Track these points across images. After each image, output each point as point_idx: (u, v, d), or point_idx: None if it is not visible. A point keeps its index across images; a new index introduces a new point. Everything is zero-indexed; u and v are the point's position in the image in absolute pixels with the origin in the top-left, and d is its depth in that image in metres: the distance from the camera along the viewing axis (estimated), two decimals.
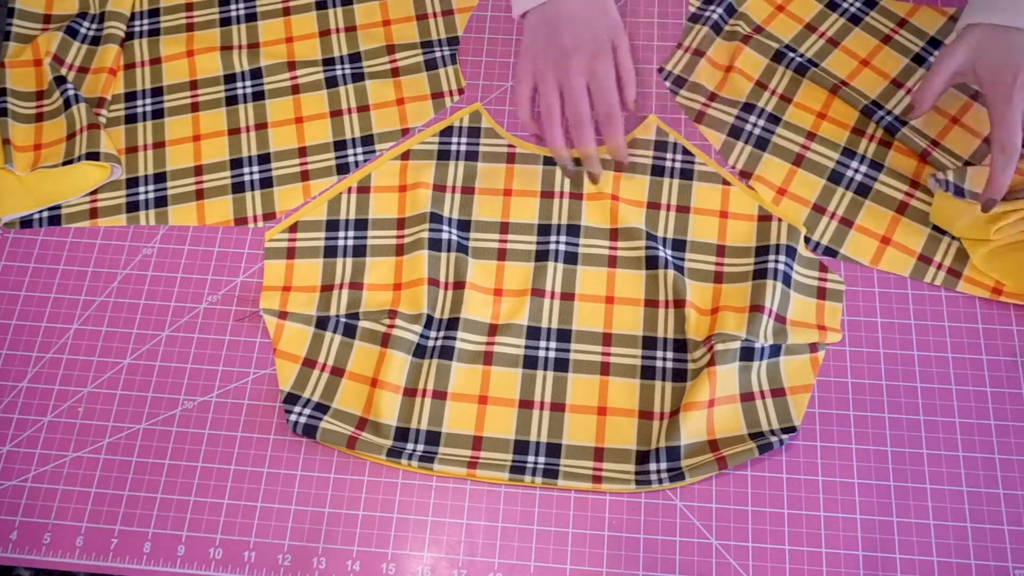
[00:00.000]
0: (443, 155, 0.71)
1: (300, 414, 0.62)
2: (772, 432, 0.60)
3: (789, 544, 0.58)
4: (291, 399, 0.63)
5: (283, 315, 0.66)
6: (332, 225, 0.69)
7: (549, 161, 0.70)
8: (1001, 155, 0.59)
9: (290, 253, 0.69)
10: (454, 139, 0.72)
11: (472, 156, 0.71)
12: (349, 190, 0.70)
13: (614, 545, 0.59)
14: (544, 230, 0.68)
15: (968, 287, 0.65)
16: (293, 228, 0.69)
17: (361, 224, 0.69)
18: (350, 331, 0.65)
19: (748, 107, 0.71)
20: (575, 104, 0.64)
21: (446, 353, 0.64)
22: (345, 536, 0.60)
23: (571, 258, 0.67)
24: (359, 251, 0.68)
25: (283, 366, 0.65)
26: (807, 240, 0.67)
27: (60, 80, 0.74)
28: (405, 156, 0.71)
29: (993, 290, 0.64)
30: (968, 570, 0.57)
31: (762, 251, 0.66)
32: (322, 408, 0.63)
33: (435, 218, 0.68)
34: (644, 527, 0.59)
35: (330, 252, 0.68)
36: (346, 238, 0.69)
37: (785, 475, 0.60)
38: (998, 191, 0.59)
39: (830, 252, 0.66)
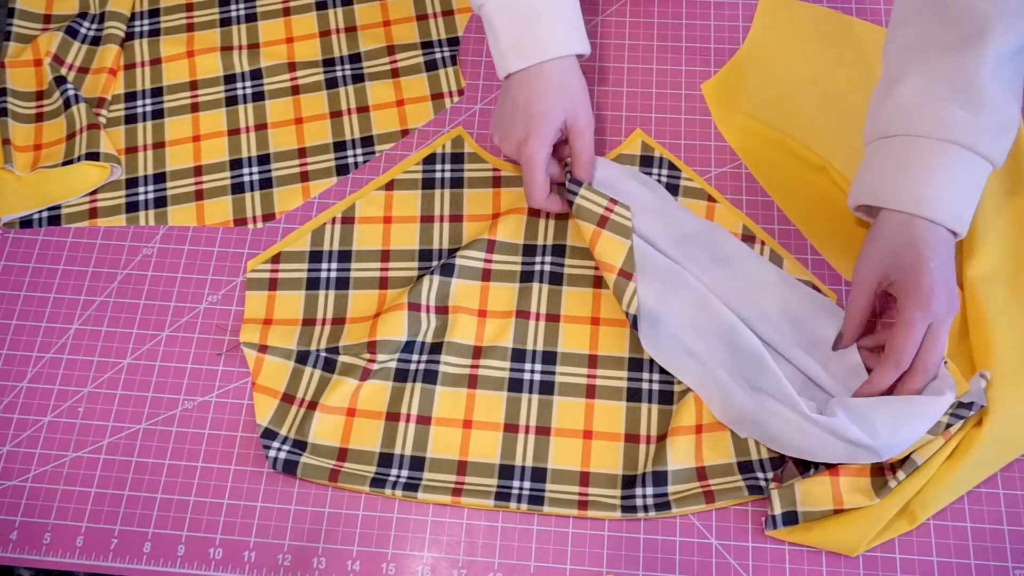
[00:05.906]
0: (428, 184, 0.70)
1: (279, 450, 0.61)
2: (761, 464, 0.59)
3: (789, 544, 0.58)
4: (269, 435, 0.62)
5: (263, 348, 0.65)
6: (315, 256, 0.68)
7: None
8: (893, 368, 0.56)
9: (272, 284, 0.68)
10: (438, 166, 0.71)
11: (457, 183, 0.70)
12: (333, 220, 0.69)
13: (614, 545, 0.59)
14: (529, 250, 0.67)
15: None
16: (276, 259, 0.68)
17: (344, 256, 0.68)
18: (329, 366, 0.64)
19: None
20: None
21: (429, 377, 0.63)
22: (345, 536, 0.60)
23: (556, 279, 0.66)
24: (342, 284, 0.67)
25: (262, 400, 0.63)
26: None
27: (60, 80, 0.74)
28: (389, 186, 0.70)
29: None
30: (968, 570, 0.57)
31: None
32: (300, 445, 0.62)
33: (424, 255, 0.67)
34: (644, 527, 0.59)
35: (312, 284, 0.67)
36: (329, 270, 0.68)
37: None
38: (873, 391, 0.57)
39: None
